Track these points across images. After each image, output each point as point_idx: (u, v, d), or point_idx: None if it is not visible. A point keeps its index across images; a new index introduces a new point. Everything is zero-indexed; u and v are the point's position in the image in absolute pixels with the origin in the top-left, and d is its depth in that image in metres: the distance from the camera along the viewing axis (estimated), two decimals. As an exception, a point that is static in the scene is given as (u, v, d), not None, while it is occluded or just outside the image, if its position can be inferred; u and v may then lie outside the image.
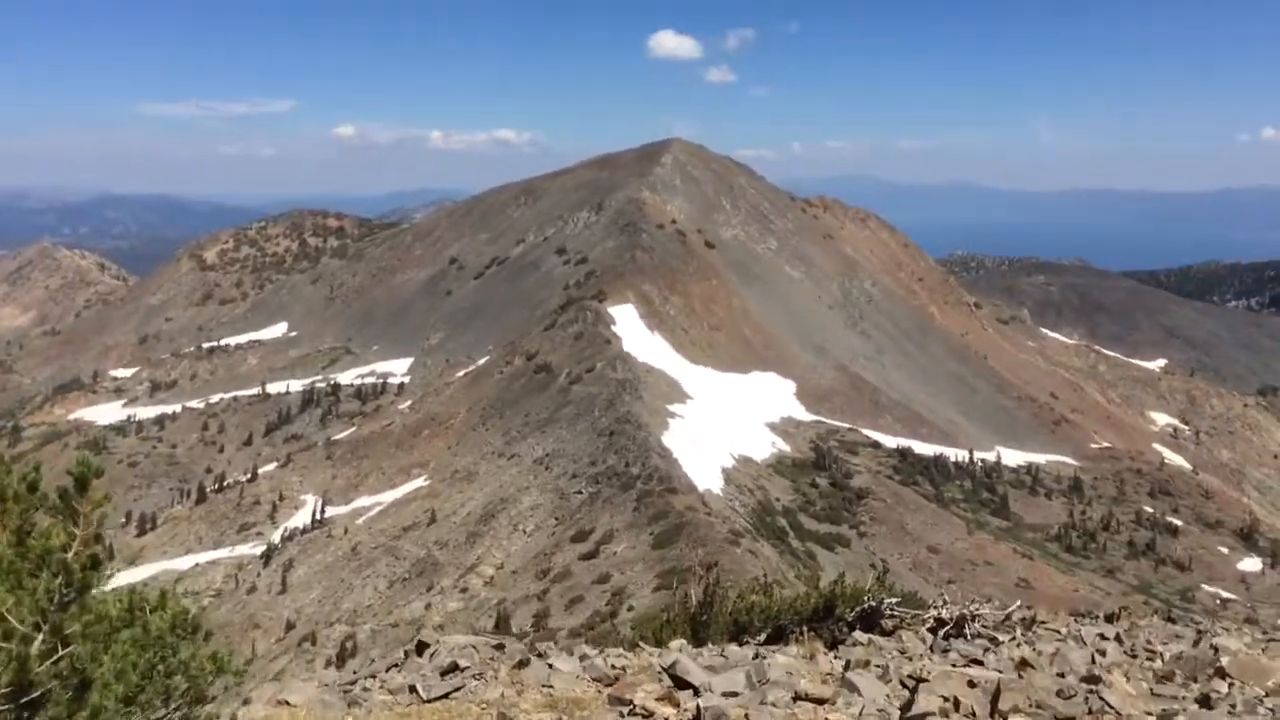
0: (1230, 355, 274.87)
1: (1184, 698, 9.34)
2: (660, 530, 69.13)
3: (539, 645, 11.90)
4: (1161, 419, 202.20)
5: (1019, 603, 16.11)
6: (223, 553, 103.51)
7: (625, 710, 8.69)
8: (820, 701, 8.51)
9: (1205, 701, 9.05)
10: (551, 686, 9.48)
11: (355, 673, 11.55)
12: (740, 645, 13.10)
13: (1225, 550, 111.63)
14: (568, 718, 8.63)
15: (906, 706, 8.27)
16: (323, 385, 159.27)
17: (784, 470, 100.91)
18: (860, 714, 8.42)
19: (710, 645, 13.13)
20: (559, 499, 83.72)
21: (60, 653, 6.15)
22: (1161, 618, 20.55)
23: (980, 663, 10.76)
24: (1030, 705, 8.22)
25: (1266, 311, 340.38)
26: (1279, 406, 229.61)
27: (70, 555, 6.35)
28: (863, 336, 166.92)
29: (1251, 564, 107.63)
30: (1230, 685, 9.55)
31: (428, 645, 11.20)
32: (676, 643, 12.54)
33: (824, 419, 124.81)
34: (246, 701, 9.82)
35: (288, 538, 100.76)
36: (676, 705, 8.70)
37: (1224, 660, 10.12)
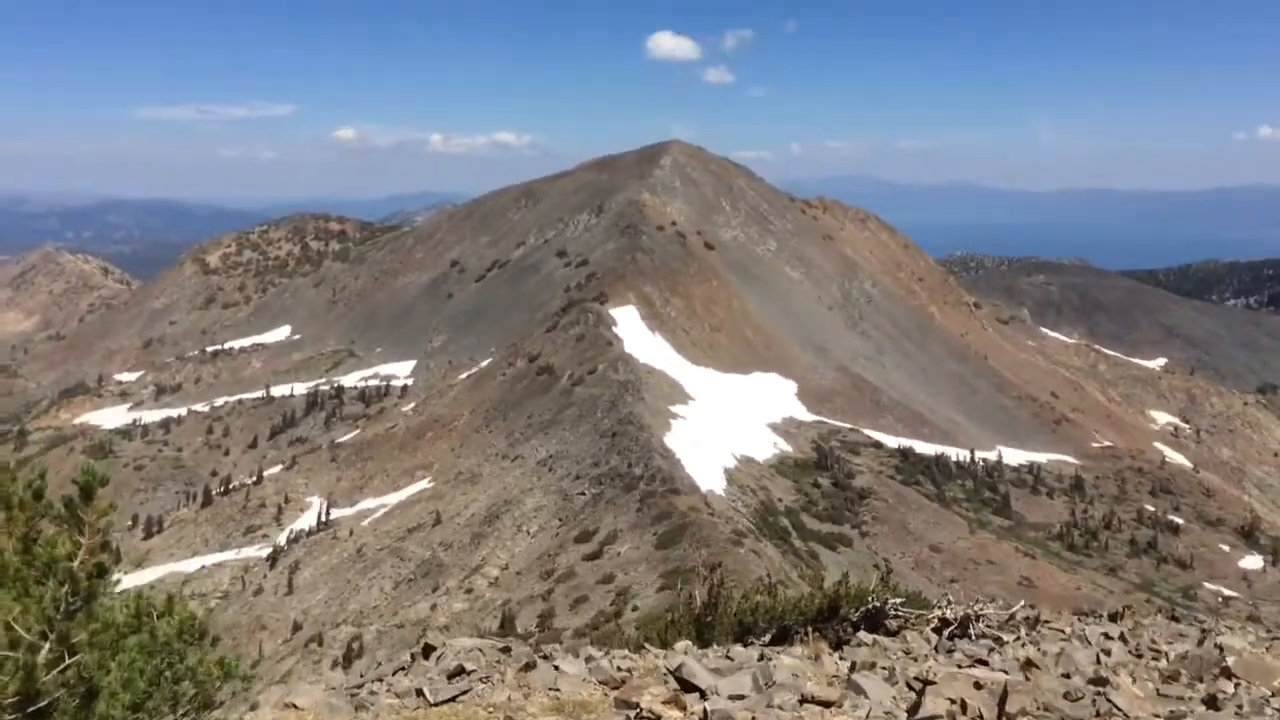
0: (1229, 353, 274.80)
1: (1190, 698, 9.34)
2: (663, 531, 69.13)
3: (545, 647, 11.90)
4: (1162, 417, 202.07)
5: (1023, 602, 16.09)
6: (229, 555, 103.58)
7: (632, 714, 8.69)
8: (827, 704, 8.51)
9: (1212, 702, 9.05)
10: (558, 689, 9.49)
11: (362, 676, 11.56)
12: (745, 646, 13.09)
13: (1226, 548, 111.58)
14: (574, 721, 8.62)
15: (913, 709, 8.27)
16: (326, 388, 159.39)
17: (786, 470, 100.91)
18: (867, 717, 8.41)
19: (715, 646, 13.12)
20: (562, 500, 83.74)
21: (67, 661, 6.16)
22: (1165, 617, 20.55)
23: (985, 663, 10.76)
24: (1038, 708, 8.22)
25: (1265, 310, 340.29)
26: (1278, 404, 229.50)
27: (76, 563, 6.35)
28: (863, 337, 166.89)
29: (1253, 562, 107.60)
30: (1236, 685, 9.54)
31: (434, 648, 11.21)
32: (682, 644, 12.54)
33: (825, 419, 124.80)
34: (254, 706, 9.84)
35: (293, 540, 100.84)
36: (683, 708, 8.71)
37: (1229, 660, 10.12)
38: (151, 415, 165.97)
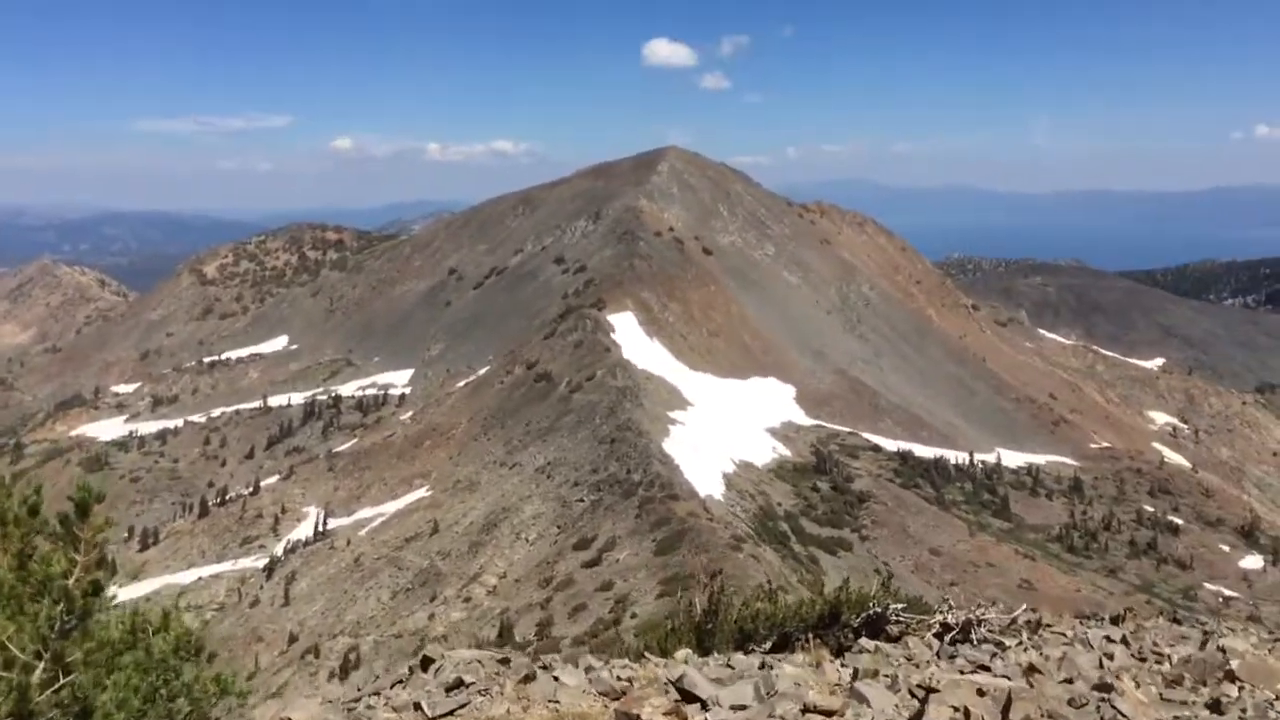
0: (1227, 353, 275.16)
1: (1194, 703, 9.28)
2: (662, 537, 69.02)
3: (544, 657, 11.83)
4: (1160, 418, 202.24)
5: (1024, 606, 16.02)
6: (225, 566, 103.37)
7: (632, 725, 8.62)
8: (829, 714, 8.45)
9: (1216, 706, 8.99)
10: (558, 701, 9.42)
11: (360, 689, 11.48)
12: (746, 654, 13.01)
13: (1226, 548, 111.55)
14: (574, 733, 8.56)
15: (916, 717, 8.22)
16: (324, 397, 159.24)
17: (785, 475, 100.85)
18: (869, 725, 8.36)
19: (716, 654, 13.04)
20: (561, 507, 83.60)
21: (62, 681, 6.09)
22: (1167, 619, 20.50)
23: (987, 668, 10.70)
24: (1042, 715, 8.17)
25: (1263, 309, 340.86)
26: (1277, 403, 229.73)
27: (72, 582, 6.29)
28: (861, 340, 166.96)
29: (1253, 561, 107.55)
30: (1240, 689, 9.49)
31: (432, 660, 11.12)
32: (682, 653, 12.46)
33: (824, 423, 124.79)
34: (251, 721, 9.77)
35: (290, 550, 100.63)
36: None
37: (1233, 663, 10.07)
38: (148, 426, 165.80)
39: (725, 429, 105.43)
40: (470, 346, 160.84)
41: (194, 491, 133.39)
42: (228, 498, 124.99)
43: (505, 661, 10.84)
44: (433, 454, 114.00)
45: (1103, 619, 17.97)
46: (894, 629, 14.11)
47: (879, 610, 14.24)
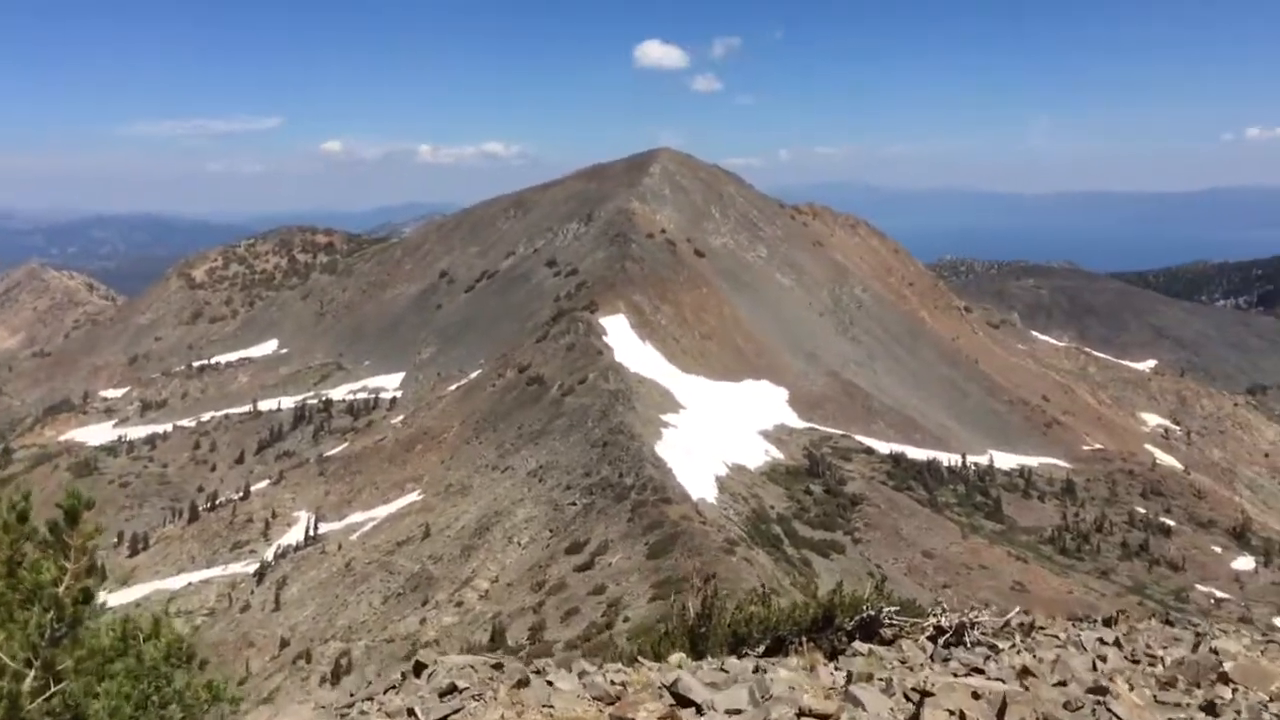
0: (1219, 355, 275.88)
1: (1188, 705, 9.29)
2: (655, 540, 69.01)
3: (537, 662, 11.78)
4: (1152, 419, 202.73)
5: (1017, 608, 16.03)
6: (216, 571, 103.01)
7: (627, 730, 8.59)
8: (824, 718, 8.42)
9: (1210, 709, 9.00)
10: (552, 707, 9.39)
11: (352, 695, 11.43)
12: (740, 658, 12.99)
13: (1218, 549, 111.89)
14: (569, 738, 8.52)
15: (911, 721, 8.21)
16: (314, 401, 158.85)
17: (778, 478, 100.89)
18: (864, 729, 8.34)
19: (710, 658, 13.02)
20: (553, 511, 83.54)
21: (53, 689, 6.04)
22: (1159, 620, 20.52)
23: (981, 671, 10.69)
24: (1037, 719, 8.16)
25: (1254, 310, 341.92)
26: (1269, 405, 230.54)
27: (62, 589, 6.24)
28: (854, 343, 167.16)
29: (1244, 563, 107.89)
30: (1234, 691, 9.50)
31: (425, 666, 11.07)
32: (676, 657, 12.43)
33: (816, 426, 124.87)
34: (243, 728, 9.70)
35: (281, 555, 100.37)
36: (679, 724, 8.62)
37: (1226, 665, 10.08)
38: (137, 431, 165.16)
39: (718, 432, 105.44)
40: (462, 350, 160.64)
41: (184, 496, 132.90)
42: (218, 503, 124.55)
43: (499, 666, 10.80)
44: (424, 458, 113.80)
45: (1095, 621, 17.97)
46: (887, 632, 14.10)
47: (873, 613, 14.23)
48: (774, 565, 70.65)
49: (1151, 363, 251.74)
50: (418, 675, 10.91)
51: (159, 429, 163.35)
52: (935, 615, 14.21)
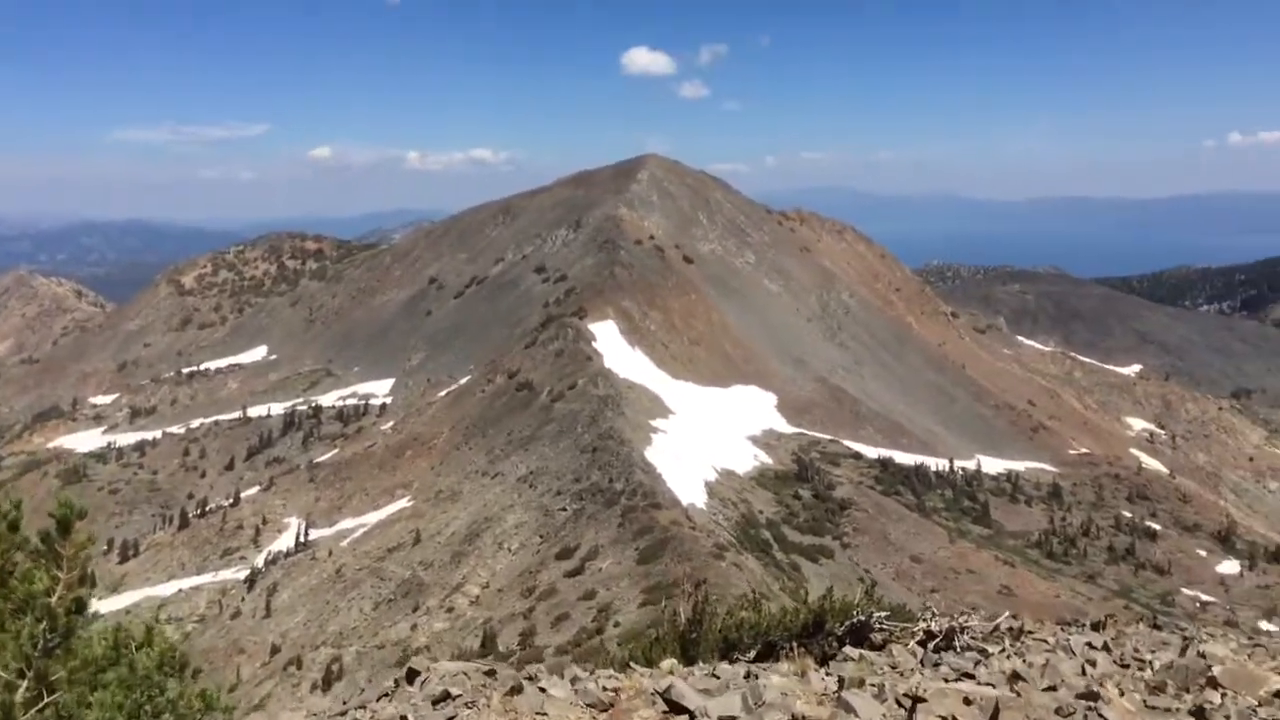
0: (1203, 359, 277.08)
1: (1178, 709, 9.34)
2: (645, 545, 68.96)
3: (530, 668, 11.78)
4: (1137, 424, 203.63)
5: (1007, 613, 16.08)
6: (206, 578, 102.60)
7: (620, 736, 8.60)
8: (817, 723, 8.47)
9: (1200, 713, 9.05)
10: (545, 714, 9.39)
11: (345, 702, 11.41)
12: (731, 663, 13.01)
13: (1203, 553, 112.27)
14: (561, 745, 8.53)
15: (903, 726, 8.24)
16: (304, 408, 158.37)
17: (766, 483, 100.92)
18: (857, 735, 8.37)
19: (701, 664, 13.03)
20: (543, 516, 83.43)
21: (46, 700, 6.03)
22: (1147, 625, 20.60)
23: (972, 676, 10.73)
24: (1028, 724, 8.20)
25: (1238, 315, 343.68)
26: (1252, 409, 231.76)
27: (54, 599, 6.23)
28: (841, 348, 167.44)
29: (1230, 566, 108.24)
30: (1223, 695, 9.56)
31: (418, 673, 11.07)
32: (667, 663, 12.45)
33: (805, 431, 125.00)
34: (235, 736, 9.67)
35: (271, 561, 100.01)
36: (672, 731, 8.63)
37: (1215, 670, 10.14)
38: (126, 438, 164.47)
39: (707, 437, 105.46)
40: (451, 356, 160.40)
41: (173, 503, 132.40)
42: (207, 509, 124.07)
43: (491, 673, 10.81)
44: (414, 464, 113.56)
45: (1084, 625, 18.06)
46: (878, 637, 14.13)
47: (863, 618, 14.27)
48: (763, 570, 70.65)
49: (1136, 367, 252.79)
50: (410, 683, 10.92)
51: (148, 435, 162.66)
52: (925, 620, 14.24)
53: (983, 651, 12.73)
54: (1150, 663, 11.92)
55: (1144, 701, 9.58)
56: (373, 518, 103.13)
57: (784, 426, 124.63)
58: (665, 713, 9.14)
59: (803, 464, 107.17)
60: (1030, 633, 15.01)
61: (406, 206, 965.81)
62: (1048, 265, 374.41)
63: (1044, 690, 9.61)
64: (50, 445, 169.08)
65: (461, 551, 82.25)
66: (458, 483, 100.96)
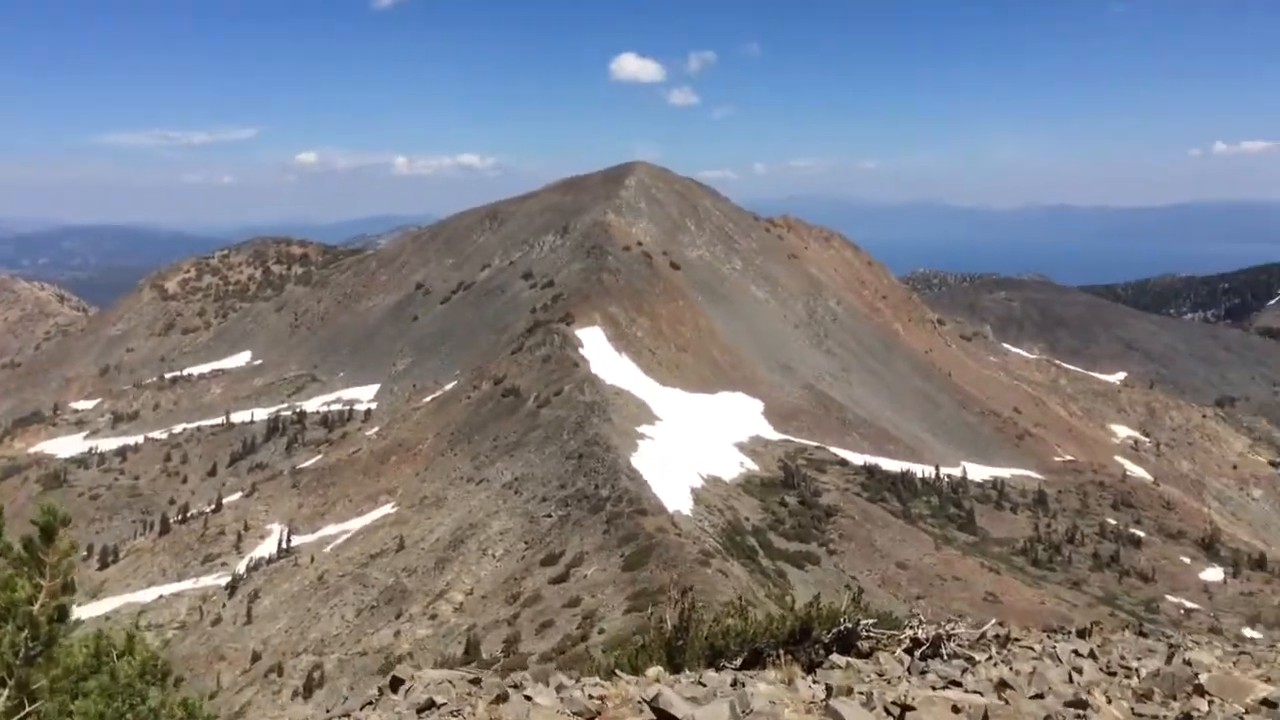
0: (1188, 367, 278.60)
1: (1166, 717, 9.35)
2: (630, 552, 68.83)
3: (515, 676, 11.71)
4: (1122, 431, 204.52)
5: (993, 620, 16.10)
6: (187, 584, 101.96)
7: (607, 745, 8.55)
8: (805, 732, 8.43)
9: (1187, 721, 9.06)
10: (531, 722, 9.33)
11: (329, 711, 11.33)
12: (717, 671, 12.97)
13: (1187, 560, 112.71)
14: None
15: (892, 735, 8.21)
16: (288, 413, 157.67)
17: (753, 489, 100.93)
18: (845, 744, 8.34)
19: (687, 671, 12.99)
20: (528, 523, 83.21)
21: (27, 709, 5.95)
22: (1133, 632, 20.67)
23: (959, 684, 10.72)
24: (1018, 733, 8.18)
25: (1222, 324, 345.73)
26: (1236, 417, 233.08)
27: (37, 607, 6.15)
28: (828, 355, 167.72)
29: (1213, 574, 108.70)
30: (1210, 703, 9.57)
31: (402, 681, 10.99)
32: (654, 670, 12.38)
33: (792, 437, 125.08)
34: (218, 745, 9.58)
35: (253, 568, 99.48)
36: (660, 739, 8.58)
37: (1202, 677, 10.15)
38: (108, 443, 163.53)
39: (693, 444, 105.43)
40: (437, 361, 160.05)
41: (155, 509, 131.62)
42: (189, 515, 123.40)
43: (476, 681, 10.73)
44: (399, 470, 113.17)
45: (1069, 633, 18.10)
46: (864, 645, 14.11)
47: (850, 626, 14.25)
48: (749, 577, 70.62)
49: (1121, 375, 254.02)
50: (395, 691, 10.84)
51: (130, 441, 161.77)
52: (912, 627, 14.24)
53: (970, 659, 12.73)
54: (1137, 670, 11.93)
55: (1131, 709, 9.58)
56: (356, 524, 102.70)
57: (770, 433, 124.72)
58: (653, 721, 9.09)
59: (789, 471, 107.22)
60: (1017, 640, 15.02)
61: (393, 212, 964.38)
62: (1033, 273, 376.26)
63: (1032, 698, 9.61)
64: (31, 450, 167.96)
65: (446, 558, 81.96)
66: (442, 489, 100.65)
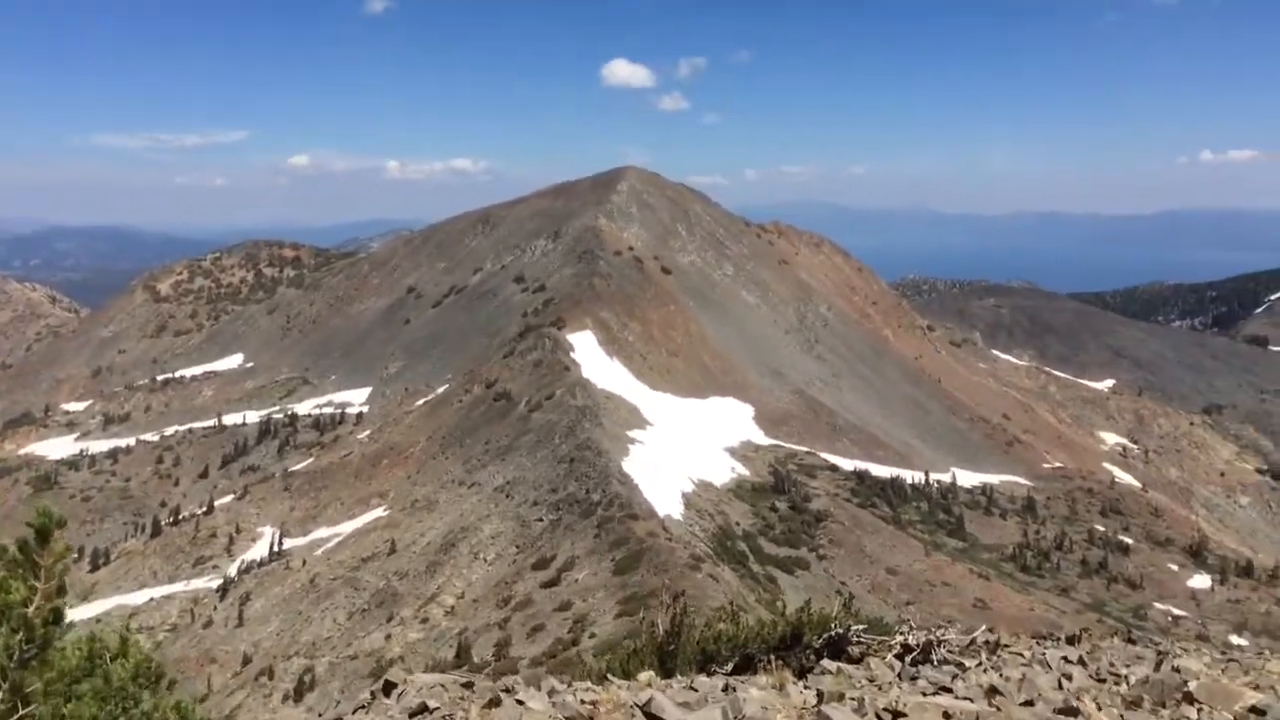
0: (1175, 375, 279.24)
1: (1155, 724, 9.40)
2: (621, 556, 68.84)
3: (507, 680, 11.70)
4: (1111, 438, 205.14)
5: (983, 626, 16.15)
6: (178, 587, 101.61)
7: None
8: (797, 738, 8.46)
9: (1176, 728, 9.11)
10: (523, 727, 9.34)
11: (321, 715, 11.34)
12: (709, 676, 12.98)
13: (1175, 567, 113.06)
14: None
15: (883, 740, 8.24)
16: (280, 416, 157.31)
17: (743, 494, 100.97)
18: (837, 749, 8.36)
19: (679, 676, 13.00)
20: (520, 527, 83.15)
21: (21, 712, 5.94)
22: (1121, 639, 20.73)
23: (950, 690, 10.76)
24: (1008, 739, 8.22)
25: (1209, 331, 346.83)
26: (1224, 425, 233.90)
27: (32, 610, 6.14)
28: (819, 360, 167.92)
29: (1201, 581, 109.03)
30: (1199, 710, 9.63)
31: (395, 685, 10.98)
32: (645, 675, 12.40)
33: (782, 443, 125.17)
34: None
35: (244, 570, 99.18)
36: (652, 744, 8.60)
37: (1191, 685, 10.21)
38: (99, 445, 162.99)
39: (684, 448, 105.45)
40: (429, 365, 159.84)
41: (146, 511, 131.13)
42: (181, 517, 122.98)
43: (469, 685, 10.72)
44: (390, 473, 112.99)
45: (1059, 639, 18.16)
46: (855, 650, 14.14)
47: (841, 631, 14.27)
48: (739, 582, 70.63)
49: (1110, 382, 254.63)
50: (387, 695, 10.82)
51: (121, 443, 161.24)
52: (902, 633, 14.28)
53: (960, 665, 12.77)
54: (1126, 677, 11.99)
55: (1121, 716, 9.63)
56: (348, 527, 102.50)
57: (761, 438, 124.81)
58: (645, 726, 9.10)
59: (779, 476, 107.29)
60: (1006, 646, 15.06)
61: (385, 216, 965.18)
62: (1021, 280, 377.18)
63: (1022, 705, 9.66)
64: (22, 452, 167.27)
65: (437, 561, 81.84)
66: (434, 492, 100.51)
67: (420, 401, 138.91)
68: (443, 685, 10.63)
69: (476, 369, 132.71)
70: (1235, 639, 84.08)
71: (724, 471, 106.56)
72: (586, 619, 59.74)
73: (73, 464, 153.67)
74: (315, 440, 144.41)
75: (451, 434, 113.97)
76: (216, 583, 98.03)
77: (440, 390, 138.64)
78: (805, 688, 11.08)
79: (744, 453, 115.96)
